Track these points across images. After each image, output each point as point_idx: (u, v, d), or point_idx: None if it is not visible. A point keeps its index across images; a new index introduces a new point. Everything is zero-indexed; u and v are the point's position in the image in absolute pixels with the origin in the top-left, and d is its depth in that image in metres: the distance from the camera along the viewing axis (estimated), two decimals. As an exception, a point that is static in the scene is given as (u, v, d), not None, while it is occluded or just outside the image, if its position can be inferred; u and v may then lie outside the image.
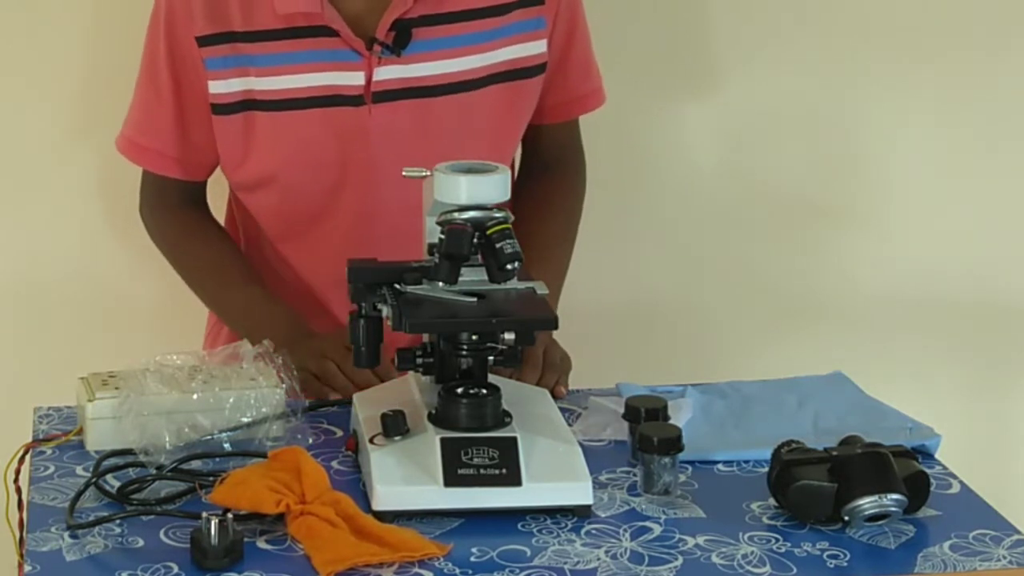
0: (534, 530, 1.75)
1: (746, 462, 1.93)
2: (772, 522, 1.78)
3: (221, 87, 2.24)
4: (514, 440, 1.77)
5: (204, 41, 2.23)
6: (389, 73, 2.23)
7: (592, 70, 2.41)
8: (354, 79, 2.22)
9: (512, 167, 2.41)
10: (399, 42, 2.22)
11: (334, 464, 1.91)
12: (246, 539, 1.68)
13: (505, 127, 2.32)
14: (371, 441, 1.80)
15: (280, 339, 2.05)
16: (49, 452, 1.94)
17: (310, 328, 2.25)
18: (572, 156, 2.46)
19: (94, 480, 1.82)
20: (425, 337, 1.90)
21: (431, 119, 2.25)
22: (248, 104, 2.25)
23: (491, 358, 1.85)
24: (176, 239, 2.40)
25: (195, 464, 1.87)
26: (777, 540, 1.74)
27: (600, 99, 2.43)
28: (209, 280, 2.36)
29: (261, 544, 1.70)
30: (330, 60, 2.22)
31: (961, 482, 1.89)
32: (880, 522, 1.77)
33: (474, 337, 1.84)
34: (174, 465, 1.85)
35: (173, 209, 2.39)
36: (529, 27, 2.29)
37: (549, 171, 2.43)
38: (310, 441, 1.96)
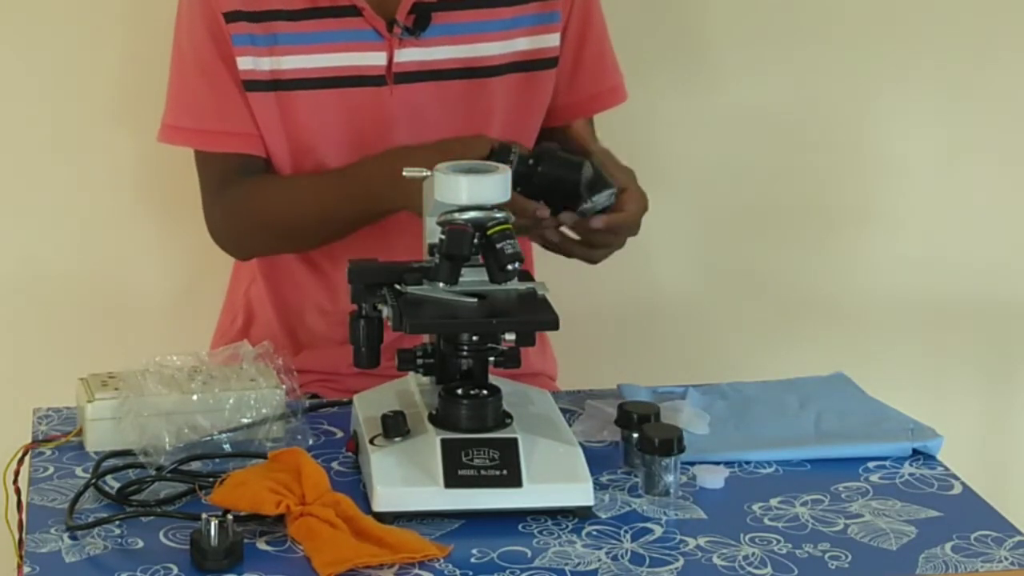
0: (535, 531, 1.74)
1: (747, 463, 1.93)
2: (773, 523, 1.78)
3: (248, 63, 2.25)
4: (514, 441, 1.77)
5: (230, 17, 2.24)
6: (409, 55, 2.25)
7: (607, 68, 2.40)
8: (376, 59, 2.25)
9: None
10: (419, 24, 2.24)
11: (334, 465, 1.90)
12: (246, 540, 1.68)
13: (521, 117, 2.33)
14: (371, 442, 1.80)
15: (388, 174, 2.04)
16: (48, 453, 1.94)
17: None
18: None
19: (94, 481, 1.81)
20: (425, 338, 1.90)
21: (449, 102, 2.27)
22: (275, 84, 2.25)
23: (491, 359, 1.85)
24: (244, 203, 2.27)
25: (195, 465, 1.87)
26: (779, 541, 1.73)
27: (617, 97, 2.42)
28: (305, 207, 2.25)
29: (261, 545, 1.70)
30: (353, 40, 2.24)
31: (963, 483, 1.89)
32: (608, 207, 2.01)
33: (474, 338, 1.84)
34: (174, 466, 1.84)
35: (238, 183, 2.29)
36: (544, 20, 2.31)
37: None
38: (310, 442, 1.96)
